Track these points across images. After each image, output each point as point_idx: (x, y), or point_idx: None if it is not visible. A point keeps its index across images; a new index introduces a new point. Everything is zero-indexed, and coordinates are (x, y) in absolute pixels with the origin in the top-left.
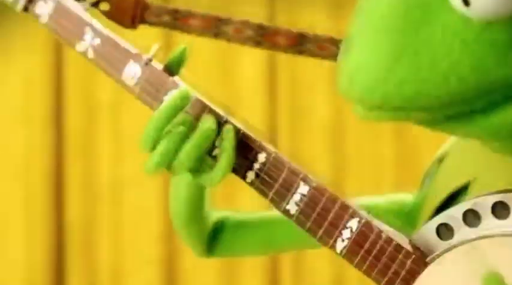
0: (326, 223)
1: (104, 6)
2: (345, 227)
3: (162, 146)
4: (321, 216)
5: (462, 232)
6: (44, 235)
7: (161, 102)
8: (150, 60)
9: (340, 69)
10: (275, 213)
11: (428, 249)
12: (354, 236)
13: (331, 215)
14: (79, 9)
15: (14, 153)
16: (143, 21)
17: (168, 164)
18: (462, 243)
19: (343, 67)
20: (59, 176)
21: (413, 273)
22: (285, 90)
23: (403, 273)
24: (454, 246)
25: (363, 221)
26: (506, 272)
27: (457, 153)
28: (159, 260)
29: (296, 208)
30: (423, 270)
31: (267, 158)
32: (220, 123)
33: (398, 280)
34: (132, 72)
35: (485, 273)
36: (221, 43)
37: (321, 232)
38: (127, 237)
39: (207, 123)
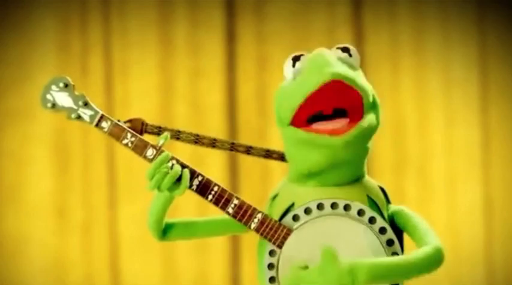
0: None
1: (128, 124)
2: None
3: (155, 178)
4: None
5: (302, 218)
6: None
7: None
8: (160, 148)
9: None
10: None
11: (290, 225)
12: (260, 221)
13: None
14: (122, 124)
15: None
16: (146, 131)
17: (157, 186)
18: (304, 223)
19: None
20: None
21: (288, 233)
22: None
23: (282, 234)
24: (302, 224)
25: (264, 214)
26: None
27: (283, 191)
28: None
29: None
30: (292, 232)
31: (201, 178)
32: (183, 165)
33: (280, 238)
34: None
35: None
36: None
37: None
38: None
39: (176, 168)
